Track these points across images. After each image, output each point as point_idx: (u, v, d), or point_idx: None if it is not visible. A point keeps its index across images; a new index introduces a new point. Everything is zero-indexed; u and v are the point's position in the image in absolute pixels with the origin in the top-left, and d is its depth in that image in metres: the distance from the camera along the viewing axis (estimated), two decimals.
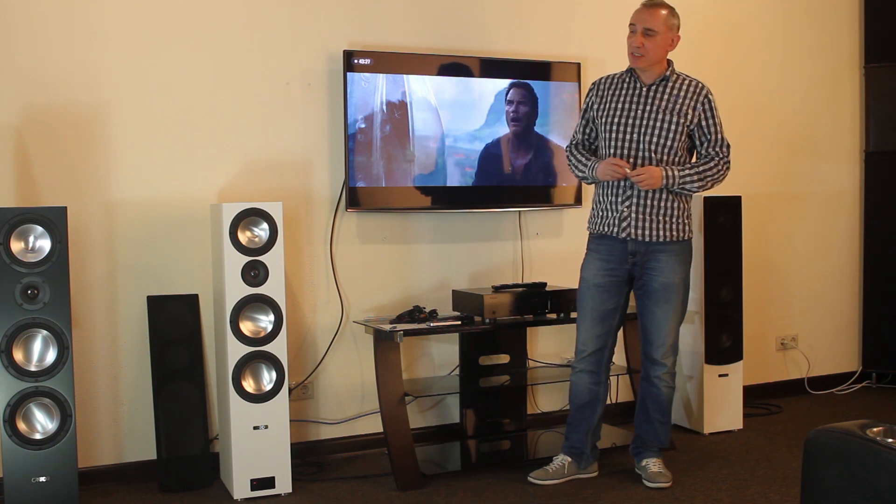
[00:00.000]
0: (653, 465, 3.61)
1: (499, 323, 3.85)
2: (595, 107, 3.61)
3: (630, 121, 3.50)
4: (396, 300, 4.12)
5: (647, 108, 3.50)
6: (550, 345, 4.39)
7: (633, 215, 3.49)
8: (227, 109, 3.81)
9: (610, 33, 4.54)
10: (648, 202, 3.48)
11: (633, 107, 3.52)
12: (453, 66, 4.10)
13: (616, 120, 3.52)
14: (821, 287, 5.21)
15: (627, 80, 3.57)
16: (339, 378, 4.05)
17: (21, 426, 3.15)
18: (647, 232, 3.48)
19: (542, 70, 4.25)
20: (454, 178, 4.12)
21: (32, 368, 3.16)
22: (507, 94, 4.19)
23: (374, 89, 3.94)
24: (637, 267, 3.53)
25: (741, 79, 4.93)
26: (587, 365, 3.60)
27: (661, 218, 3.49)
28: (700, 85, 3.55)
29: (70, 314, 3.22)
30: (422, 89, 4.03)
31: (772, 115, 5.03)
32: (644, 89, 3.53)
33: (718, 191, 4.52)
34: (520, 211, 4.33)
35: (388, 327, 3.69)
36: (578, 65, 4.32)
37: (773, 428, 4.42)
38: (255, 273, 3.43)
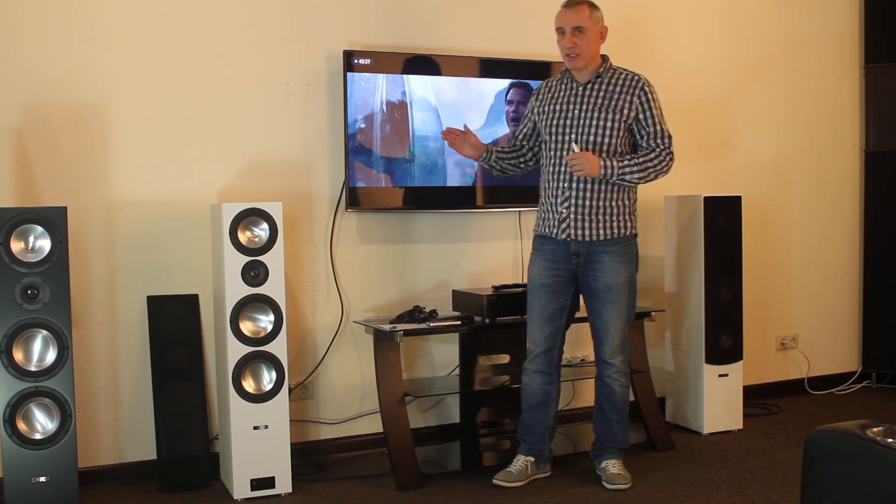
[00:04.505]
0: (612, 466, 3.60)
1: (499, 323, 3.85)
2: (536, 111, 3.64)
3: (567, 121, 3.51)
4: (396, 300, 4.12)
5: (584, 106, 3.50)
6: None
7: (573, 216, 3.48)
8: (227, 109, 3.81)
9: (609, 33, 4.54)
10: (587, 202, 3.47)
11: (570, 107, 3.52)
12: (453, 66, 4.10)
13: (554, 122, 3.53)
14: (821, 287, 5.21)
15: (565, 81, 3.58)
16: (339, 378, 4.06)
17: (21, 426, 3.15)
18: (586, 232, 3.48)
19: (542, 70, 4.25)
20: (454, 178, 4.12)
21: (32, 368, 3.16)
22: (507, 94, 4.19)
23: (374, 89, 3.94)
24: (580, 267, 3.53)
25: (741, 79, 4.93)
26: (539, 365, 3.61)
27: (600, 217, 3.48)
28: (636, 77, 3.52)
29: (70, 314, 3.22)
30: (422, 89, 4.03)
31: (772, 115, 5.03)
32: (580, 88, 3.53)
33: (718, 191, 4.53)
34: (520, 211, 4.33)
35: (388, 327, 3.69)
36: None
37: (773, 428, 4.42)
38: (255, 273, 3.43)
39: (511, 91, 4.19)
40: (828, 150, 5.22)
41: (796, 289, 5.13)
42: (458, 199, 4.14)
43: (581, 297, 3.62)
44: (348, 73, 3.88)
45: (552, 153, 3.53)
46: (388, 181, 4.00)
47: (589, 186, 3.47)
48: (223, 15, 3.81)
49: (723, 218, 4.30)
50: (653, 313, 4.21)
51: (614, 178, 3.43)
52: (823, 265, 5.22)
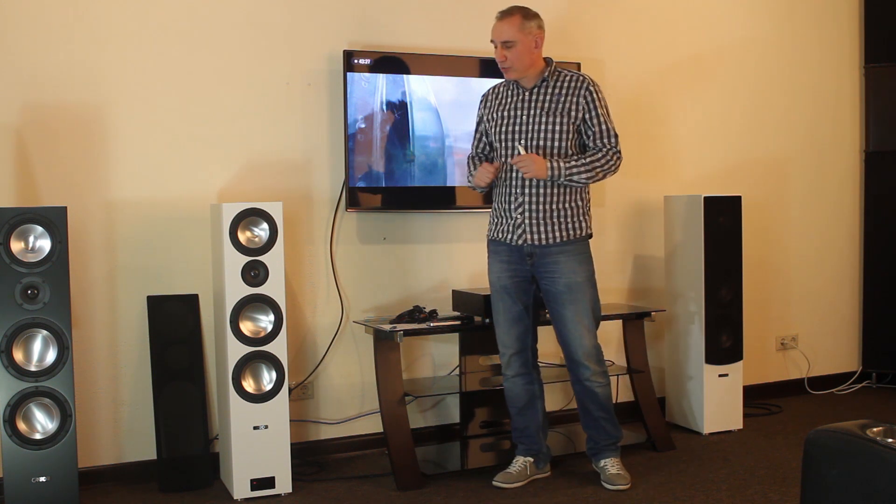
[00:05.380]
0: (611, 465, 3.60)
1: None
2: (485, 118, 3.63)
3: (515, 127, 3.50)
4: (396, 300, 4.12)
5: (530, 111, 3.49)
6: (550, 345, 4.37)
7: (527, 221, 3.48)
8: (227, 109, 3.81)
9: (609, 34, 4.55)
10: (541, 206, 3.46)
11: (518, 112, 3.51)
12: (453, 66, 4.10)
13: (503, 128, 3.53)
14: (821, 287, 5.21)
15: (511, 87, 3.57)
16: (339, 378, 4.06)
17: (21, 426, 3.15)
18: (541, 236, 3.47)
19: None
20: (454, 178, 4.12)
21: (32, 368, 3.16)
22: None
23: (374, 89, 3.94)
24: (536, 269, 3.52)
25: (741, 79, 4.93)
26: (516, 369, 3.60)
27: (555, 220, 3.47)
28: (581, 78, 3.51)
29: (70, 314, 3.22)
30: (422, 89, 4.03)
31: (772, 115, 5.03)
32: (526, 94, 3.52)
33: (718, 191, 4.53)
34: None
35: (388, 327, 3.69)
36: (578, 65, 4.31)
37: (773, 428, 4.42)
38: (255, 273, 3.43)
39: None
40: (828, 150, 5.22)
41: (796, 289, 5.13)
42: (457, 199, 4.14)
43: (545, 303, 3.59)
44: (348, 73, 3.88)
45: (503, 159, 3.53)
46: (389, 181, 4.00)
47: (542, 191, 3.46)
48: (223, 15, 3.81)
49: (723, 218, 4.30)
50: (653, 313, 4.21)
51: (562, 179, 3.42)
52: (823, 265, 5.22)
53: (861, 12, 5.25)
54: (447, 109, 4.08)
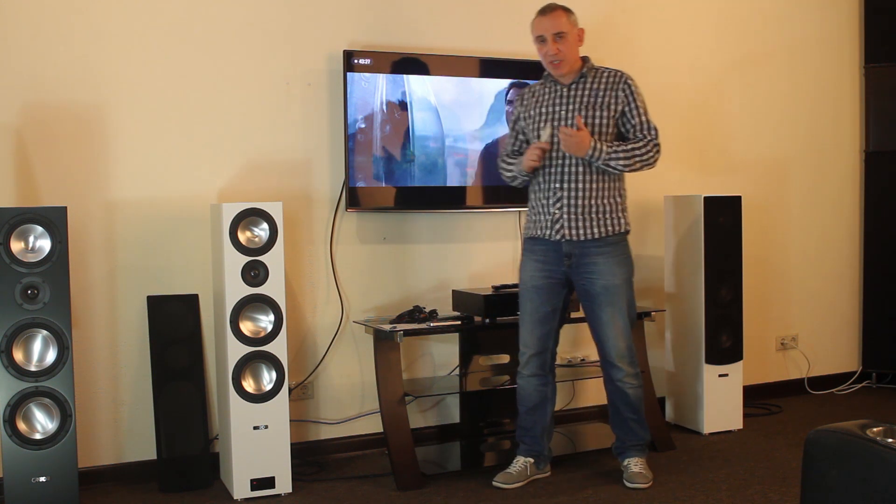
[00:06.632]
0: (634, 465, 3.61)
1: (499, 323, 3.84)
2: (522, 116, 3.64)
3: (555, 122, 3.51)
4: (396, 300, 4.12)
5: (570, 107, 3.50)
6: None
7: (566, 216, 3.48)
8: (227, 109, 3.81)
9: (609, 33, 4.54)
10: (579, 201, 3.47)
11: (556, 108, 3.52)
12: (453, 66, 4.10)
13: (541, 124, 3.54)
14: (821, 287, 5.21)
15: (548, 85, 3.58)
16: (339, 378, 4.06)
17: (21, 426, 3.15)
18: (580, 231, 3.48)
19: (542, 70, 4.23)
20: (454, 178, 4.12)
21: (32, 368, 3.16)
22: (507, 94, 4.19)
23: (374, 89, 3.94)
24: (574, 269, 3.52)
25: (741, 79, 4.93)
26: (533, 369, 3.61)
27: (593, 216, 3.48)
28: (618, 74, 3.54)
29: (70, 314, 3.22)
30: (422, 89, 4.03)
31: (772, 115, 5.03)
32: (564, 90, 3.54)
33: (718, 191, 4.53)
34: (520, 211, 4.33)
35: (388, 327, 3.69)
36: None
37: (773, 428, 4.42)
38: (255, 273, 3.43)
39: (511, 91, 4.19)
40: (828, 150, 5.22)
41: (796, 289, 5.13)
42: (457, 199, 4.14)
43: (580, 302, 3.61)
44: (348, 73, 3.88)
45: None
46: (388, 181, 4.00)
47: (581, 186, 3.47)
48: (223, 15, 3.81)
49: (723, 218, 4.30)
50: (653, 313, 4.21)
51: (599, 161, 3.43)
52: (823, 265, 5.22)
53: (861, 12, 5.25)
54: (447, 109, 4.08)
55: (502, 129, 4.18)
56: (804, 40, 5.11)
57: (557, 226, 3.50)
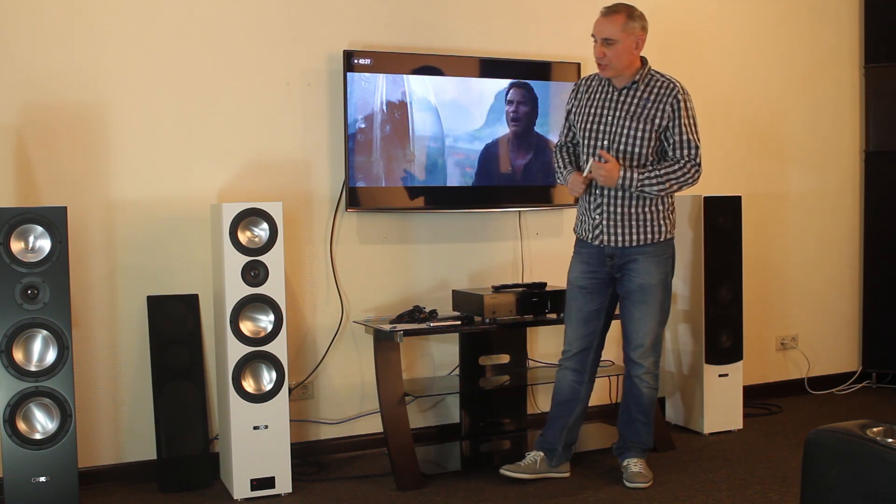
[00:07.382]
0: (633, 465, 3.61)
1: (499, 323, 3.85)
2: (574, 111, 3.64)
3: (601, 126, 3.51)
4: (396, 300, 4.12)
5: (617, 113, 3.50)
6: (550, 345, 4.38)
7: (605, 222, 3.51)
8: (227, 109, 3.81)
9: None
10: (619, 209, 3.49)
11: (605, 112, 3.52)
12: (453, 66, 4.10)
13: (589, 126, 3.54)
14: (821, 287, 5.21)
15: (604, 82, 3.57)
16: (339, 378, 4.05)
17: (21, 426, 3.15)
18: (618, 238, 3.50)
19: (542, 70, 4.25)
20: (454, 178, 4.12)
21: (32, 368, 3.16)
22: (507, 94, 4.19)
23: (374, 89, 3.94)
24: (616, 269, 3.55)
25: (741, 79, 4.93)
26: (572, 364, 3.63)
27: (633, 223, 3.49)
28: (672, 85, 3.50)
29: (70, 314, 3.22)
30: (422, 89, 4.03)
31: (772, 115, 5.03)
32: (616, 93, 3.52)
33: (718, 191, 4.53)
34: (520, 211, 4.33)
35: (388, 327, 3.69)
36: (578, 65, 4.32)
37: (773, 428, 4.42)
38: (255, 273, 3.43)
39: (511, 91, 4.19)
40: (828, 150, 5.22)
41: (796, 289, 5.13)
42: (458, 199, 4.14)
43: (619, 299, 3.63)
44: (348, 73, 3.88)
45: (586, 157, 3.55)
46: (388, 181, 4.00)
47: (619, 193, 3.48)
48: (223, 15, 3.81)
49: (722, 218, 4.30)
50: None
51: (633, 189, 3.45)
52: (823, 265, 5.22)
53: (861, 12, 5.25)
54: (447, 109, 4.08)
55: (502, 129, 4.18)
56: (804, 40, 5.11)
57: (597, 231, 3.53)
